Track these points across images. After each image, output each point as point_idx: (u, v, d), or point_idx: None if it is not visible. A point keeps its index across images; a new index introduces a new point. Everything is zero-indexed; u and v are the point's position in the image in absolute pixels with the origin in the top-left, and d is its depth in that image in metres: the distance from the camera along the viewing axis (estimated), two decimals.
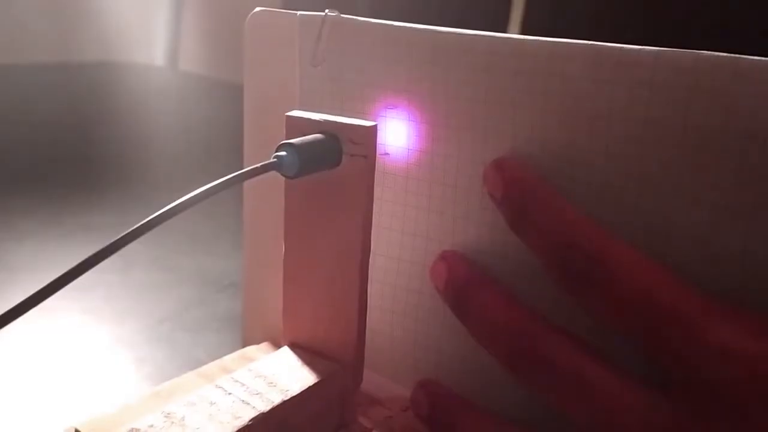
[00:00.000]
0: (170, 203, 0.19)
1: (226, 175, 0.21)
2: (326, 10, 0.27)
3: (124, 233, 0.19)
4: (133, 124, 1.17)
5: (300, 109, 0.25)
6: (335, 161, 0.23)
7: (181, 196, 0.19)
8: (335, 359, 0.26)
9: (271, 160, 0.21)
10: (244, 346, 0.34)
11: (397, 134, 0.27)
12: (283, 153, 0.22)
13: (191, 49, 2.41)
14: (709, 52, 0.20)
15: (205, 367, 0.31)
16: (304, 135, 0.23)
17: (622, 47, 0.22)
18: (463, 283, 0.25)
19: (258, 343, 0.34)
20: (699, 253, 0.22)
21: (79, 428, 0.25)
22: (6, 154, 0.89)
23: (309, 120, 0.24)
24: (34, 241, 0.59)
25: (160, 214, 0.19)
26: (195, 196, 0.20)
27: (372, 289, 0.25)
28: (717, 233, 0.21)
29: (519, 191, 0.23)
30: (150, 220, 0.19)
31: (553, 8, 1.39)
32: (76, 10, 2.21)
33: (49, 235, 0.61)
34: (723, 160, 0.21)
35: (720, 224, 0.21)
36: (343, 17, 0.27)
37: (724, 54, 0.20)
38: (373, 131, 0.23)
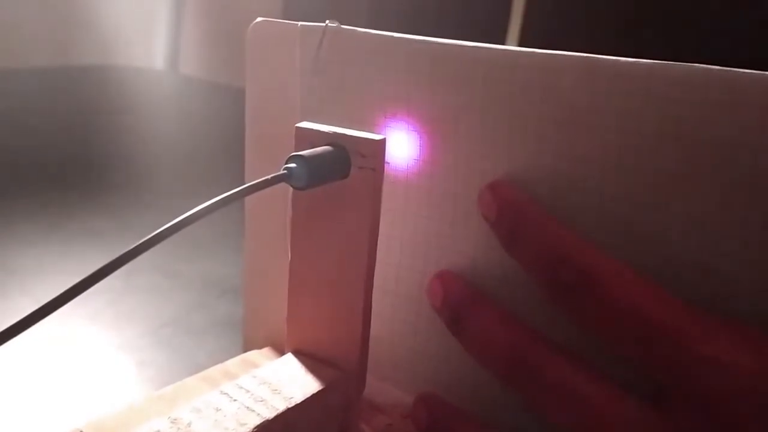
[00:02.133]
0: (179, 216, 0.19)
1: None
2: (327, 21, 0.28)
3: (133, 246, 0.19)
4: (134, 127, 1.17)
5: (301, 119, 0.25)
6: (344, 173, 0.24)
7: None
8: (339, 367, 0.26)
9: (281, 171, 0.22)
10: (244, 350, 0.34)
11: (397, 144, 0.27)
12: (292, 165, 0.22)
13: (191, 53, 2.41)
14: (702, 65, 0.21)
15: (208, 371, 0.31)
16: (313, 146, 0.24)
17: (617, 60, 0.22)
18: (459, 301, 0.26)
19: (258, 347, 0.34)
20: (694, 264, 0.22)
21: (83, 430, 0.26)
22: (6, 158, 0.89)
23: (318, 132, 0.24)
24: (37, 245, 0.59)
25: (169, 227, 0.19)
26: (204, 208, 0.20)
27: (372, 296, 0.26)
28: (711, 242, 0.22)
29: (512, 213, 0.24)
30: (158, 233, 0.19)
31: (552, 15, 1.39)
32: (76, 14, 2.21)
33: (52, 239, 0.61)
34: (714, 171, 0.21)
35: (713, 233, 0.21)
36: (343, 28, 0.28)
37: (716, 67, 0.21)
38: (381, 144, 0.24)
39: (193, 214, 0.20)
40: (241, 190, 0.21)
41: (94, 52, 2.22)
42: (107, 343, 0.45)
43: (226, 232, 0.65)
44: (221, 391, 0.24)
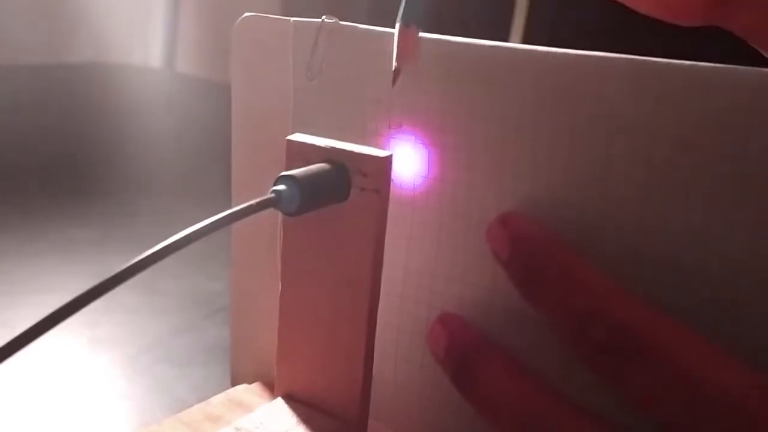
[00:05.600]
0: (152, 248, 0.17)
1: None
2: (323, 16, 0.25)
3: (98, 283, 0.16)
4: (127, 127, 1.14)
5: (294, 128, 0.22)
6: (342, 195, 0.21)
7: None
8: (336, 416, 0.23)
9: (269, 195, 0.19)
10: (232, 384, 0.31)
11: (402, 157, 0.24)
12: (282, 187, 0.19)
13: (188, 51, 2.39)
14: None
15: (187, 412, 0.28)
16: (307, 163, 0.20)
17: (670, 63, 0.19)
18: (464, 351, 0.22)
19: (248, 380, 0.31)
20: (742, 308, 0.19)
21: None
22: None
23: (313, 146, 0.21)
24: (7, 258, 0.56)
25: (143, 259, 0.17)
26: (181, 239, 0.17)
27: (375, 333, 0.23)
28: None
29: (529, 251, 0.21)
30: (132, 265, 0.17)
31: (556, 16, 1.37)
32: (71, 11, 2.19)
33: (25, 251, 0.57)
34: None
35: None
36: (341, 24, 0.25)
37: None
38: (387, 162, 0.20)
39: (168, 245, 0.17)
40: (221, 218, 0.18)
41: (89, 50, 2.20)
42: (80, 373, 0.41)
43: (216, 244, 0.61)
44: None
